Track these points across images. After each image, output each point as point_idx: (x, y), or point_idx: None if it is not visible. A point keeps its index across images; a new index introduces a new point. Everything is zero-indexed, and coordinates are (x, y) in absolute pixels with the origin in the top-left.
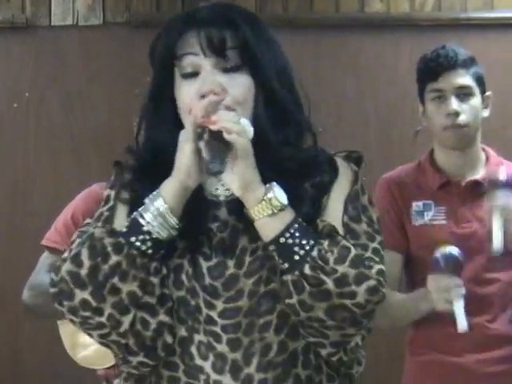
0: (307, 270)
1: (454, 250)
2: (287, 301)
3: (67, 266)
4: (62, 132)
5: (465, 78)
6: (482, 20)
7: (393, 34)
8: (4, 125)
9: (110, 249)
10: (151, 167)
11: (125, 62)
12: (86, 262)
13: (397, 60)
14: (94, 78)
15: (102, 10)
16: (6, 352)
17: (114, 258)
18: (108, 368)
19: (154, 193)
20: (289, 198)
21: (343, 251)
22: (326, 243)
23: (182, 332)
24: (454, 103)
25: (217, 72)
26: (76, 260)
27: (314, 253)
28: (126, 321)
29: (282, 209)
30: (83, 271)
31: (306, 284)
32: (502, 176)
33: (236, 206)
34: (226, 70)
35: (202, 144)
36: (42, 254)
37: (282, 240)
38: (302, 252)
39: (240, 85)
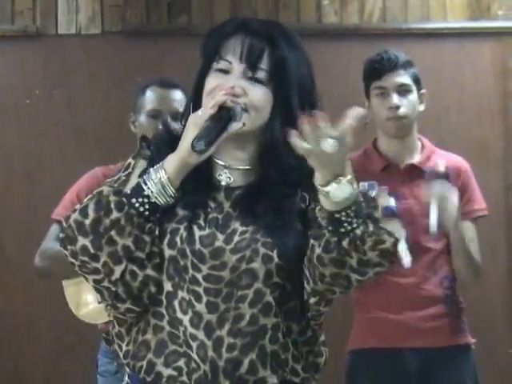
0: (345, 243)
1: (390, 201)
2: (314, 246)
3: (75, 216)
4: (67, 124)
5: (404, 78)
6: (420, 30)
7: (345, 41)
8: (18, 118)
9: (112, 205)
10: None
11: (120, 64)
12: (91, 214)
13: (349, 63)
14: (93, 78)
15: (101, 21)
16: (21, 310)
17: (115, 214)
18: (106, 323)
19: (159, 164)
20: (285, 202)
21: (379, 240)
22: (371, 227)
23: (169, 287)
24: (395, 98)
25: (243, 78)
26: (83, 211)
27: (358, 231)
28: (118, 270)
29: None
30: (87, 221)
31: (334, 251)
32: (442, 168)
33: (232, 193)
34: (251, 79)
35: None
36: (51, 226)
37: (337, 215)
38: (348, 228)
39: (259, 94)
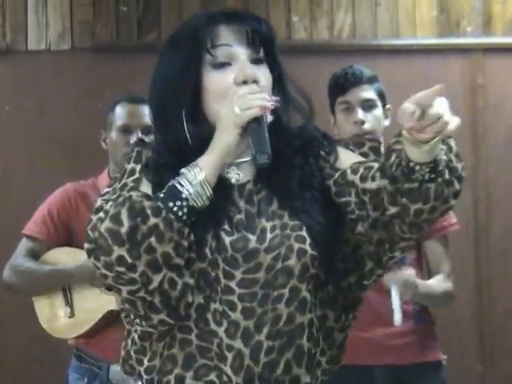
0: (447, 175)
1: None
2: (420, 206)
3: (107, 224)
4: (37, 139)
5: (369, 92)
6: (389, 46)
7: (315, 58)
8: None
9: (149, 211)
10: (171, 156)
11: (89, 80)
12: (126, 222)
13: (318, 80)
14: (63, 94)
15: (71, 37)
16: None
17: (152, 220)
18: (76, 338)
19: (193, 163)
20: (299, 170)
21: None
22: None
23: (200, 300)
24: (360, 113)
25: (248, 62)
26: (116, 219)
27: (446, 158)
28: (157, 279)
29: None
30: (123, 229)
31: (445, 188)
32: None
33: (243, 190)
34: (254, 62)
35: (249, 130)
36: (20, 241)
37: (438, 157)
38: (444, 159)
39: (266, 75)
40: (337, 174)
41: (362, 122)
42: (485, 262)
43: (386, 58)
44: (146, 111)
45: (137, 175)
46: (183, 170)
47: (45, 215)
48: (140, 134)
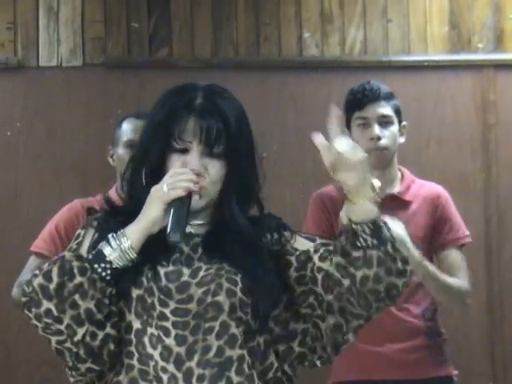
0: (389, 248)
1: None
2: (365, 272)
3: (39, 280)
4: (47, 156)
5: (386, 109)
6: (400, 62)
7: (326, 74)
8: None
9: (76, 271)
10: (124, 213)
11: (100, 97)
12: (55, 279)
13: (330, 96)
14: (74, 110)
15: (82, 53)
16: None
17: (78, 279)
18: None
19: (120, 232)
20: (255, 263)
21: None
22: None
23: (138, 325)
24: (377, 129)
25: (202, 156)
26: (47, 276)
27: (389, 235)
28: (81, 332)
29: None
30: (52, 285)
31: (388, 260)
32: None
33: (191, 239)
34: (210, 156)
35: (172, 207)
36: (29, 258)
37: (377, 221)
38: (388, 236)
39: (218, 169)
40: (299, 252)
41: (378, 138)
42: (496, 278)
43: (398, 74)
44: None
45: (80, 239)
46: (109, 236)
47: (52, 232)
48: None
